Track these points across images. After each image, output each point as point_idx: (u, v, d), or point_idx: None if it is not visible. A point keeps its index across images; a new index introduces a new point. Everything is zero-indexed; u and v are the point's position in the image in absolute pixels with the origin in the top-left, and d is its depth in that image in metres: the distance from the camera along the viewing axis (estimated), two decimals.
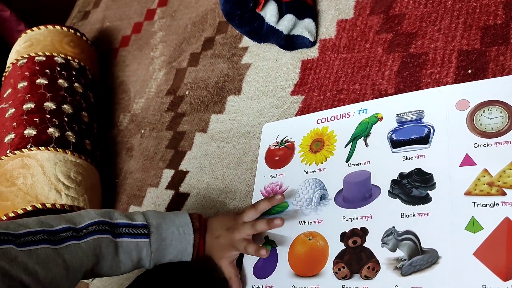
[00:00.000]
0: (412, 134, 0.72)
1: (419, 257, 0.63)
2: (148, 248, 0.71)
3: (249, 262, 0.79)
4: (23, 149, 1.02)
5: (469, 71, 0.73)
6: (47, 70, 1.19)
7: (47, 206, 0.97)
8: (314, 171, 0.80)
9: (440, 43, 0.79)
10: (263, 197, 0.84)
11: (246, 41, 1.11)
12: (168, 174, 1.06)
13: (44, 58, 1.22)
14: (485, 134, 0.65)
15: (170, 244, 0.73)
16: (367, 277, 0.66)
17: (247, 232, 0.74)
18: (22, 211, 0.95)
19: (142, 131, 1.21)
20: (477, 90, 0.69)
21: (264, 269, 0.77)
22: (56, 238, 0.63)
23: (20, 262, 0.58)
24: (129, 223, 0.71)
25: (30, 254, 0.60)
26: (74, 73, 1.24)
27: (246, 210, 0.76)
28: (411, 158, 0.70)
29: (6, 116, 1.10)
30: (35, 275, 0.59)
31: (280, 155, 0.86)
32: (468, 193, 0.62)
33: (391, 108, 0.76)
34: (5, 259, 0.57)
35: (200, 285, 0.83)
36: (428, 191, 0.66)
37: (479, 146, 0.65)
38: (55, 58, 1.23)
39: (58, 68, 1.21)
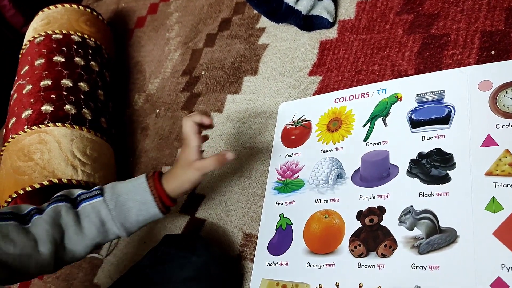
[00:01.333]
0: (432, 114, 0.71)
1: (437, 236, 0.62)
2: (105, 206, 0.71)
3: (264, 239, 0.79)
4: (40, 125, 1.03)
5: (492, 52, 0.72)
6: (64, 48, 1.19)
7: (64, 182, 0.98)
8: (331, 150, 0.80)
9: (463, 24, 0.78)
10: (278, 176, 0.84)
11: (263, 22, 1.10)
12: None
13: (61, 36, 1.22)
14: (507, 115, 0.64)
15: (128, 198, 0.72)
16: (383, 255, 0.66)
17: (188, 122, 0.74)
18: (39, 186, 0.96)
19: (157, 110, 1.21)
20: (501, 71, 0.68)
21: (279, 246, 0.77)
22: (24, 219, 0.67)
23: None
24: (84, 191, 0.73)
25: (1, 228, 0.63)
26: (90, 51, 1.24)
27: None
28: (431, 138, 0.70)
29: (24, 92, 1.10)
30: (7, 246, 0.63)
31: (296, 134, 0.86)
32: (489, 174, 0.62)
33: (411, 88, 0.76)
34: None
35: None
36: (448, 171, 0.66)
37: (501, 126, 0.64)
38: (72, 36, 1.23)
39: (75, 46, 1.22)
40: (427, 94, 0.73)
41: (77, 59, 1.19)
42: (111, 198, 0.71)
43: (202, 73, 1.17)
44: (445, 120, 0.70)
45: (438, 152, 0.68)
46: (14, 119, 1.07)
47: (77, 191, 0.73)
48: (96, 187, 0.73)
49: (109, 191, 0.72)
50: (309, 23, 0.97)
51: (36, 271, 0.67)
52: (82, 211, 0.70)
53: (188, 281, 0.71)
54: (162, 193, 0.73)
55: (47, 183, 0.97)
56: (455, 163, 0.66)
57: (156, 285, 0.72)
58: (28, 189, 0.96)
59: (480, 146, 0.64)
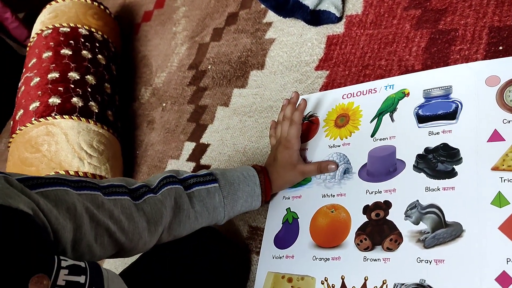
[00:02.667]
0: (439, 110, 0.71)
1: (443, 230, 0.63)
2: (220, 193, 0.70)
3: (271, 232, 0.80)
4: (47, 117, 1.04)
5: (500, 48, 0.72)
6: (71, 41, 1.20)
7: (70, 173, 0.99)
8: (339, 146, 0.80)
9: (471, 19, 0.78)
10: None
11: (270, 16, 1.10)
12: (189, 146, 1.06)
13: (68, 29, 1.23)
14: None
15: (238, 188, 0.72)
16: (389, 249, 0.66)
17: (285, 127, 0.79)
18: None
19: (164, 104, 1.22)
20: (508, 66, 0.68)
21: (285, 239, 0.77)
22: (134, 194, 0.64)
23: (106, 209, 0.58)
24: (195, 174, 0.71)
25: (115, 203, 0.60)
26: (97, 45, 1.25)
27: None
28: (437, 133, 0.70)
29: (31, 84, 1.11)
30: (120, 224, 0.59)
31: (304, 130, 0.86)
32: (495, 168, 0.62)
33: (419, 84, 0.76)
34: (93, 204, 0.56)
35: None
36: (454, 166, 0.66)
37: (508, 122, 0.64)
38: (79, 30, 1.24)
39: (82, 40, 1.22)
40: (434, 89, 0.73)
41: (84, 52, 1.20)
42: (225, 185, 0.71)
43: (209, 67, 1.17)
44: (452, 115, 0.70)
45: (444, 147, 0.68)
46: (21, 111, 1.08)
47: (184, 173, 0.71)
48: (205, 171, 0.72)
49: (221, 178, 0.72)
50: (316, 17, 0.97)
51: (139, 251, 0.65)
52: (196, 194, 0.69)
53: (197, 268, 0.73)
54: (268, 189, 0.76)
55: (54, 174, 0.97)
56: (461, 158, 0.66)
57: (166, 268, 0.73)
58: None
59: (487, 141, 0.64)
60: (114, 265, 1.02)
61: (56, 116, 1.04)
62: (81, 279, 0.45)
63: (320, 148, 0.82)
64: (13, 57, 1.78)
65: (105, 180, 0.63)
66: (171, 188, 0.67)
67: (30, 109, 1.06)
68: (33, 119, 1.04)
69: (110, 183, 0.62)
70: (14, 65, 1.70)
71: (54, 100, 1.06)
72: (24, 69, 1.21)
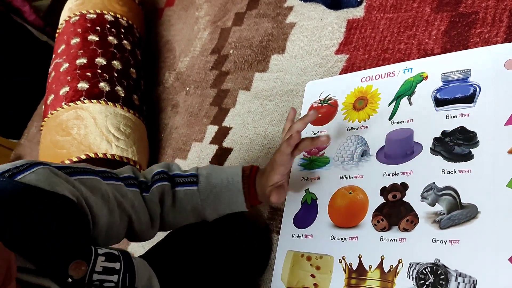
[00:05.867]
0: (457, 93, 0.72)
1: (458, 212, 0.64)
2: (198, 196, 0.73)
3: (290, 212, 0.82)
4: (77, 102, 1.08)
5: None
6: (98, 27, 1.24)
7: (99, 156, 1.03)
8: (357, 128, 0.81)
9: (492, 2, 0.78)
10: (304, 153, 0.87)
11: (291, 0, 1.11)
12: (212, 129, 1.09)
13: (94, 16, 1.26)
14: None
15: (220, 192, 0.74)
16: (405, 230, 0.68)
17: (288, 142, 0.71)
18: (76, 159, 1.01)
19: (187, 88, 1.25)
20: None
21: (304, 219, 0.80)
22: (142, 188, 0.70)
23: (129, 199, 0.64)
24: (181, 174, 0.74)
25: (135, 195, 0.66)
26: (122, 30, 1.28)
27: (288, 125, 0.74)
28: (455, 116, 0.71)
29: (61, 70, 1.15)
30: (138, 214, 0.66)
31: (323, 113, 0.88)
32: None
33: (437, 67, 0.76)
34: (119, 193, 0.63)
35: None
36: (471, 149, 0.67)
37: None
38: (105, 16, 1.27)
39: (108, 26, 1.26)
40: (453, 73, 0.74)
41: (110, 38, 1.23)
42: (205, 189, 0.74)
43: (231, 51, 1.19)
44: (470, 98, 0.70)
45: (461, 130, 0.69)
46: (52, 96, 1.13)
47: (176, 169, 0.75)
48: (192, 171, 0.75)
49: (204, 181, 0.74)
50: (336, 1, 0.98)
51: (140, 241, 0.73)
52: (177, 195, 0.73)
53: (219, 252, 0.76)
54: (253, 195, 0.76)
55: (84, 156, 1.02)
56: (478, 141, 0.67)
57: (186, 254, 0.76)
58: (67, 162, 1.02)
59: (504, 125, 0.65)
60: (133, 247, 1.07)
61: (84, 101, 1.08)
62: (117, 265, 0.50)
63: (339, 130, 0.84)
64: (33, 41, 1.87)
65: (118, 171, 0.68)
66: (160, 185, 0.71)
67: (60, 94, 1.11)
68: (63, 103, 1.09)
69: (127, 174, 0.68)
70: (36, 50, 1.79)
71: (83, 85, 1.10)
72: (53, 55, 1.25)
